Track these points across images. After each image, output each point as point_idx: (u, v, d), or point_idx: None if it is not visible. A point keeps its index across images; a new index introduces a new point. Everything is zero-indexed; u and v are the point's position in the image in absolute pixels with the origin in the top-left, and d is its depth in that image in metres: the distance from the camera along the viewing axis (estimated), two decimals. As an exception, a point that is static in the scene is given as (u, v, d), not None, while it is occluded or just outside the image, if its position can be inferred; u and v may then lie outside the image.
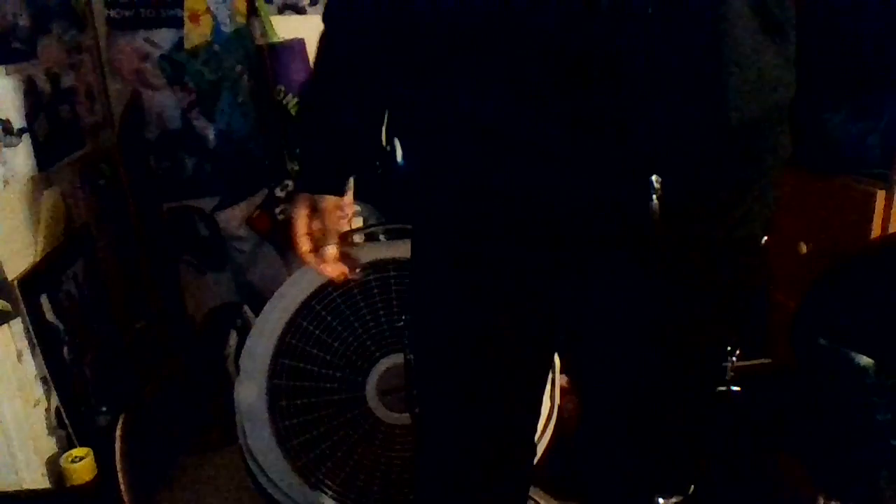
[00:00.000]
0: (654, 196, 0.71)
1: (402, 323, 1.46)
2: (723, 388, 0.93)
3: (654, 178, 0.71)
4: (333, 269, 0.90)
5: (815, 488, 1.31)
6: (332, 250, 0.89)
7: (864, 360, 1.17)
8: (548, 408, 1.59)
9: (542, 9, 0.69)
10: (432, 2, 0.75)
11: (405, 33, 0.80)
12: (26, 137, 1.50)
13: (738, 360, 0.90)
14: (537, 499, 1.57)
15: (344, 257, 0.92)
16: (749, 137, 0.75)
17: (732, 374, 0.91)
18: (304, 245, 0.90)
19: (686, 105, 0.71)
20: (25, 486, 1.51)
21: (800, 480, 1.37)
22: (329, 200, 0.89)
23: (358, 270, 0.92)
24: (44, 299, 1.51)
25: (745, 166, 0.77)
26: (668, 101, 0.70)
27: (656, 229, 0.73)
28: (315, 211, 0.89)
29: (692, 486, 0.95)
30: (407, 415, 1.52)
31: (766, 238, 0.84)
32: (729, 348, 0.88)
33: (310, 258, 0.91)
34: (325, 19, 0.88)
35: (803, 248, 1.51)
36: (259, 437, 1.50)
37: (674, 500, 0.93)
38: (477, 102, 0.75)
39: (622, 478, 0.95)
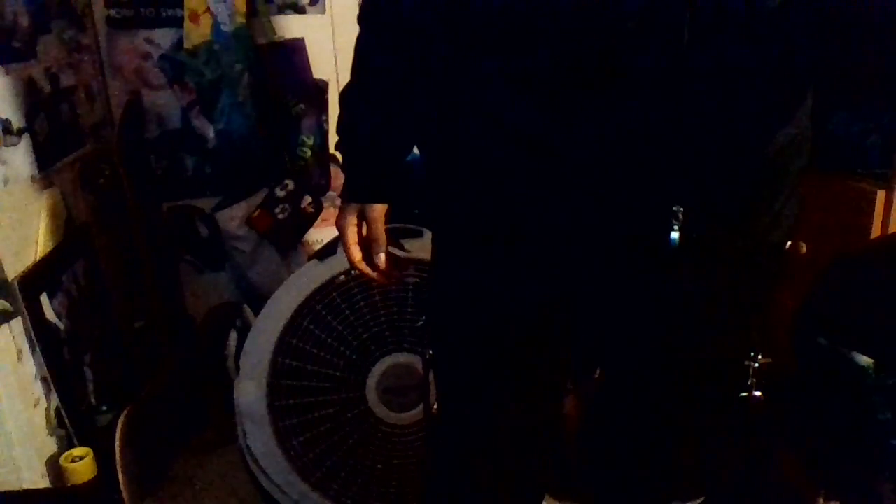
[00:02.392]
0: (677, 226, 0.70)
1: (420, 323, 1.46)
2: (745, 395, 0.92)
3: (677, 207, 0.70)
4: (385, 277, 0.92)
5: (815, 488, 1.31)
6: (382, 258, 0.91)
7: (864, 360, 1.16)
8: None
9: (577, 22, 0.68)
10: (461, 5, 0.75)
11: (438, 34, 0.79)
12: (26, 137, 1.50)
13: (759, 365, 0.89)
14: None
15: (395, 261, 0.93)
16: (775, 161, 0.75)
17: (754, 379, 0.90)
18: (356, 254, 0.91)
19: (716, 143, 0.70)
20: (25, 486, 1.51)
21: (800, 480, 1.37)
22: (377, 209, 0.90)
23: (411, 276, 0.94)
24: (44, 299, 1.51)
25: (770, 182, 0.77)
26: (697, 129, 0.69)
27: (678, 255, 0.72)
28: (363, 219, 0.90)
29: (706, 493, 0.93)
30: (407, 415, 1.52)
31: (789, 243, 0.83)
32: (752, 353, 0.87)
33: (363, 266, 0.92)
34: (360, 20, 0.86)
35: (803, 248, 1.51)
36: (259, 436, 1.50)
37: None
38: (502, 107, 0.75)
39: (636, 486, 0.94)
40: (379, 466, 1.54)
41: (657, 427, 0.89)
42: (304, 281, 1.50)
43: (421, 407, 1.52)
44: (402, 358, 1.52)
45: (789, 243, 0.83)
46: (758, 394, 0.91)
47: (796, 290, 1.44)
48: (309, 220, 1.95)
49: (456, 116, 0.80)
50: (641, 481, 0.93)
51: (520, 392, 0.90)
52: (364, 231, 0.91)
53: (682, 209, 0.70)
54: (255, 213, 1.92)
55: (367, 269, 0.91)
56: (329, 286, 1.48)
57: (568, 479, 1.49)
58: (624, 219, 0.74)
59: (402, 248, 0.97)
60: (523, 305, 0.84)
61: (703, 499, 0.92)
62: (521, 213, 0.78)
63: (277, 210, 1.92)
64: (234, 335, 1.88)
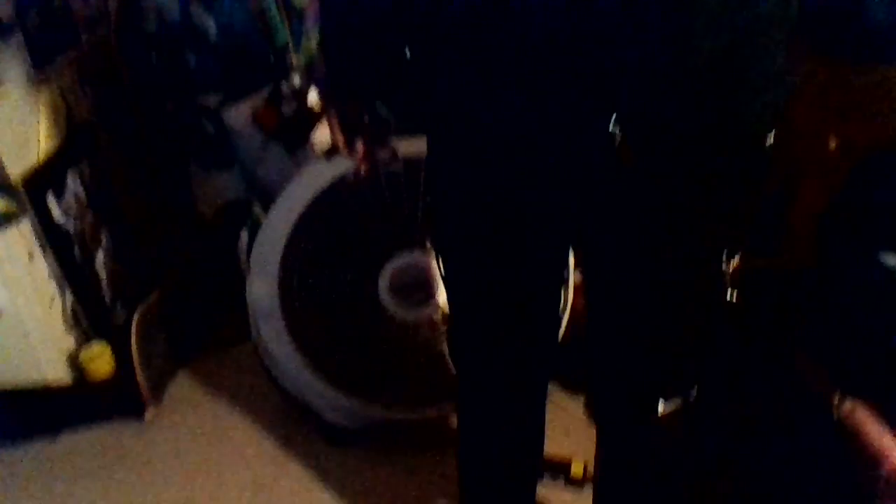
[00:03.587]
0: (618, 131, 0.71)
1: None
2: (721, 298, 0.91)
3: (612, 118, 0.70)
4: (363, 162, 1.00)
5: (830, 385, 1.31)
6: (360, 145, 0.99)
7: (893, 260, 1.13)
8: (561, 303, 1.58)
9: None
10: None
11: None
12: (18, 34, 1.44)
13: (734, 266, 0.86)
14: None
15: (377, 150, 1.01)
16: (725, 64, 0.70)
17: (731, 281, 0.87)
18: (339, 140, 0.99)
19: (652, 34, 0.67)
20: (48, 381, 1.55)
21: (815, 377, 1.37)
22: (355, 103, 0.97)
23: (396, 162, 1.09)
24: (50, 199, 1.50)
25: (727, 92, 0.73)
26: (633, 28, 0.67)
27: (624, 162, 0.73)
28: (343, 111, 0.97)
29: (693, 390, 0.95)
30: (418, 311, 1.52)
31: (772, 135, 0.78)
32: (726, 252, 0.85)
33: (343, 148, 0.99)
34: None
35: (832, 144, 1.45)
36: (272, 333, 1.51)
37: (674, 402, 0.93)
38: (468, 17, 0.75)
39: (625, 380, 0.96)
40: (392, 362, 1.55)
41: (646, 321, 0.90)
42: (312, 179, 1.47)
43: (432, 303, 1.51)
44: (413, 256, 1.50)
45: (771, 138, 0.78)
46: (733, 298, 0.89)
47: (823, 186, 1.39)
48: (316, 119, 1.89)
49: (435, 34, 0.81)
50: (637, 374, 0.94)
51: (522, 261, 0.93)
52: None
53: (616, 123, 0.70)
54: (261, 109, 1.86)
55: (348, 154, 0.99)
56: (338, 185, 1.45)
57: (579, 373, 1.51)
58: (568, 108, 0.74)
59: (391, 147, 1.03)
60: (503, 192, 0.86)
61: (693, 393, 0.93)
62: (484, 102, 0.80)
63: (284, 106, 1.86)
64: (245, 233, 1.88)
